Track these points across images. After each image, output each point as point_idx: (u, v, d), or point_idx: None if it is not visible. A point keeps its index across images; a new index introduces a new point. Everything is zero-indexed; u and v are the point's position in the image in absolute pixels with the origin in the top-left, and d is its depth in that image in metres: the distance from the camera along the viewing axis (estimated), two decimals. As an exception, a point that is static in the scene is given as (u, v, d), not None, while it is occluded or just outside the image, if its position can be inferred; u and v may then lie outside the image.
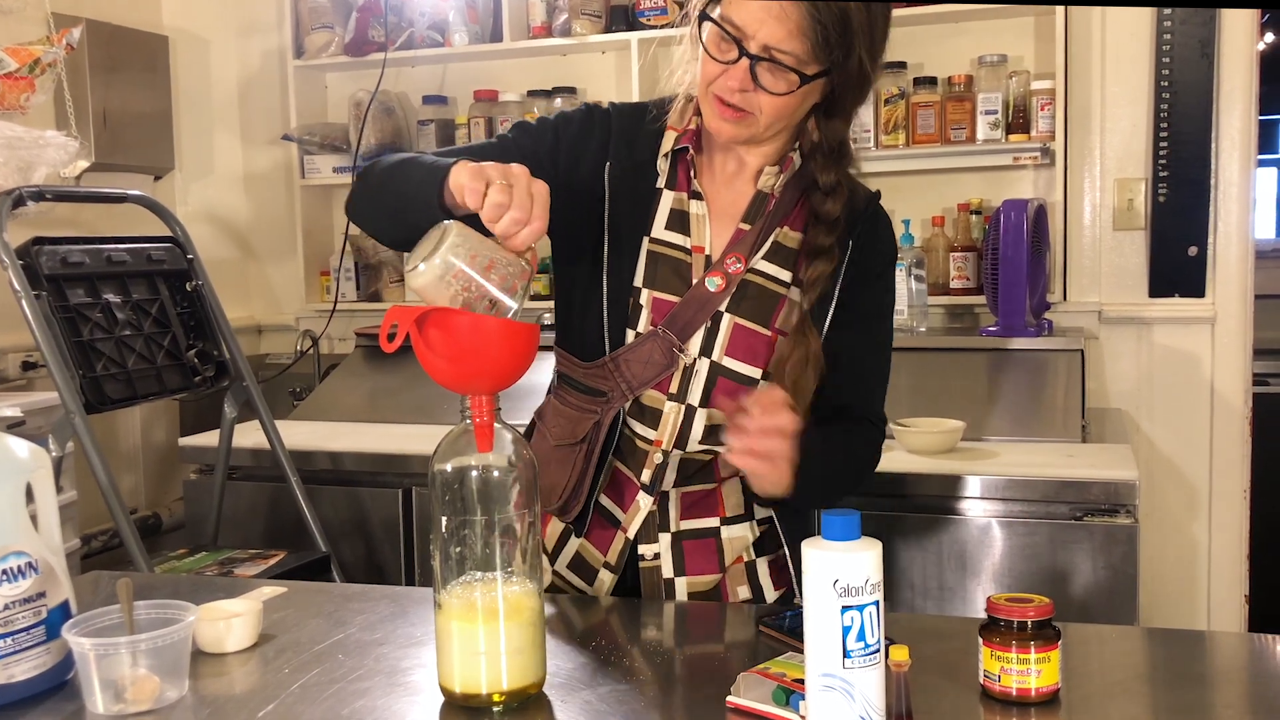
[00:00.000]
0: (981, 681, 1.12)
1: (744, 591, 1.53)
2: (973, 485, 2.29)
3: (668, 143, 1.47)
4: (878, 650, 0.99)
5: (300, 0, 3.62)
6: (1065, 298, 3.10)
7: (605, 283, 1.45)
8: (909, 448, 2.45)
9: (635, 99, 3.28)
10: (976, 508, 2.30)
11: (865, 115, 3.07)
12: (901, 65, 3.13)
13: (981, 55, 3.08)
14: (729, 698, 1.10)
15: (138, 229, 2.73)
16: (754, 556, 1.53)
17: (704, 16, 1.37)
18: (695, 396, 1.44)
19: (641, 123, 1.49)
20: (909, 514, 2.33)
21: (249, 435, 2.80)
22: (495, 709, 1.12)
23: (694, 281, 1.44)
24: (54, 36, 2.79)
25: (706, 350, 1.44)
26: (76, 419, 2.31)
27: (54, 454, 2.33)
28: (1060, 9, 2.97)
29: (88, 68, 3.25)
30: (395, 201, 1.32)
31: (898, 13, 3.08)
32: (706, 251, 1.45)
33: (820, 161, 1.43)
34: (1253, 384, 3.03)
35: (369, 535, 2.77)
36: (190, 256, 2.72)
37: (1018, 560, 2.26)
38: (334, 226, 3.78)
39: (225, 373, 2.74)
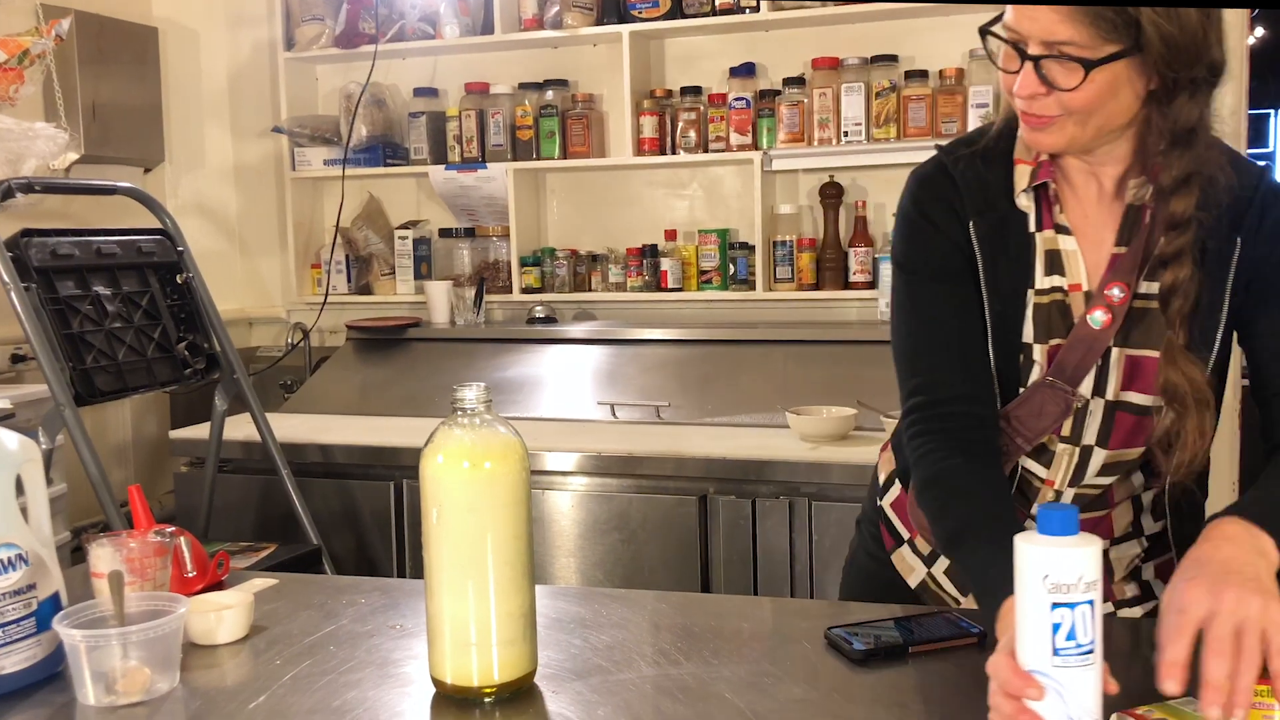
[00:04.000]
0: None
1: (1131, 589, 1.47)
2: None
3: (1022, 179, 1.35)
4: (1091, 650, 0.95)
5: (291, -8, 3.62)
6: (1055, 291, 3.09)
7: (991, 343, 1.35)
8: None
9: (627, 92, 3.30)
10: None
11: (856, 108, 3.07)
12: (892, 58, 3.13)
13: (973, 48, 3.08)
14: None
15: (127, 221, 2.72)
16: (1139, 564, 1.47)
17: (984, 31, 1.26)
18: (1091, 437, 1.36)
19: (985, 164, 1.38)
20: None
21: (240, 428, 2.80)
22: (486, 700, 1.12)
23: (1075, 321, 1.33)
24: (43, 28, 2.78)
25: (1100, 390, 1.34)
26: (66, 411, 2.31)
27: (44, 446, 2.32)
28: (1051, 3, 2.97)
29: (77, 59, 3.24)
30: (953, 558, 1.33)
31: (885, 6, 3.08)
32: (1085, 288, 1.33)
33: (1162, 157, 1.26)
34: (1242, 379, 3.03)
35: (360, 528, 2.77)
36: (180, 249, 2.72)
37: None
38: (324, 219, 3.78)
39: (216, 365, 2.73)
